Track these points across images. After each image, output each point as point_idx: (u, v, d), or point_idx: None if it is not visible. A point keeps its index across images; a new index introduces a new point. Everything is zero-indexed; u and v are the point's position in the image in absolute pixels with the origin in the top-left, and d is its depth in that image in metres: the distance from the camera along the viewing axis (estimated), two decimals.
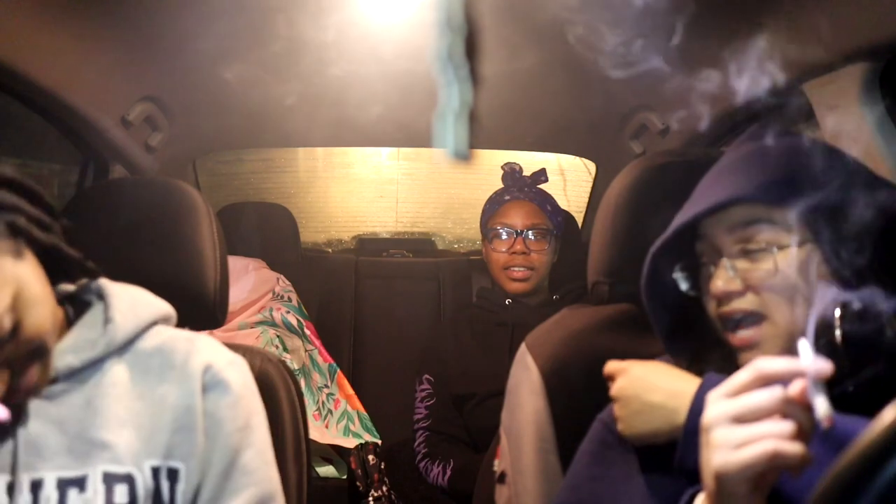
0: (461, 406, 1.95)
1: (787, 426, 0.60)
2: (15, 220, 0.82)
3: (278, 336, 1.95)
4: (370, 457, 1.95)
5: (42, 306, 0.81)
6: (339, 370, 2.03)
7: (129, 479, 0.83)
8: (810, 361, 0.60)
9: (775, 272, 0.79)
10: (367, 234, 3.14)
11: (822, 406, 0.58)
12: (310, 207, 3.12)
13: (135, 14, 1.31)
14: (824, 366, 0.59)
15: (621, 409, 0.89)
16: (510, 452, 1.17)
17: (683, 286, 0.89)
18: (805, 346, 0.61)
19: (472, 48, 0.54)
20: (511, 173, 2.10)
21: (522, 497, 1.12)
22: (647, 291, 0.91)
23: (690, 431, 0.76)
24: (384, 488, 1.93)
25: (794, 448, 0.59)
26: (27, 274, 0.81)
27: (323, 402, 1.92)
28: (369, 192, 3.16)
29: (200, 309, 1.11)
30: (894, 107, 1.11)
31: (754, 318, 0.81)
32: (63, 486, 0.82)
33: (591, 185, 2.46)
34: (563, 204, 2.14)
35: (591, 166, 2.43)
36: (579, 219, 2.49)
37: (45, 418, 0.85)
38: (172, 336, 0.95)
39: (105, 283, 0.95)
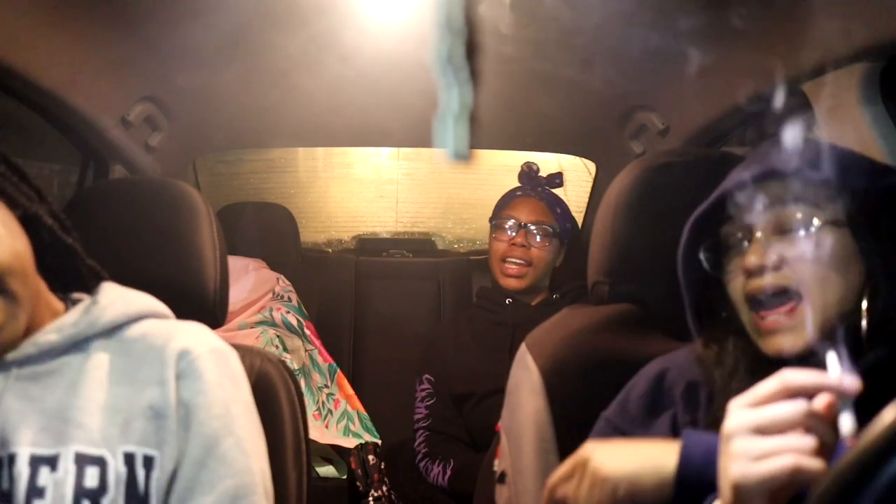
0: (461, 406, 1.95)
1: (810, 441, 0.58)
2: None
3: (278, 336, 1.95)
4: (370, 457, 1.95)
5: (11, 245, 0.81)
6: (338, 370, 2.03)
7: (100, 463, 0.82)
8: (838, 376, 0.59)
9: (810, 250, 0.79)
10: (367, 234, 3.14)
11: (847, 423, 0.57)
12: (310, 207, 3.12)
13: (135, 14, 1.31)
14: (853, 382, 0.58)
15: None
16: (510, 452, 1.17)
17: (708, 266, 0.88)
18: (833, 359, 0.60)
19: (471, 49, 0.54)
20: (528, 171, 2.13)
21: (522, 497, 1.12)
22: (683, 265, 0.90)
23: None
24: (384, 488, 1.93)
25: (815, 464, 0.57)
26: None
27: (323, 402, 1.92)
28: (369, 192, 3.16)
29: (200, 309, 1.11)
30: (894, 107, 1.11)
31: (786, 296, 0.80)
32: (35, 463, 0.81)
33: (591, 185, 2.46)
34: (570, 205, 2.16)
35: (591, 166, 2.42)
36: (579, 219, 2.49)
37: (26, 398, 0.85)
38: (160, 324, 0.94)
39: (105, 282, 0.95)
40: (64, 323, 0.88)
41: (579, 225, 2.45)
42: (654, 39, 1.00)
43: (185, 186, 1.17)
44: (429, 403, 1.98)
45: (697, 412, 0.89)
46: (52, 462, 0.82)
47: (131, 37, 1.38)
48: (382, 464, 1.97)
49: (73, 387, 0.86)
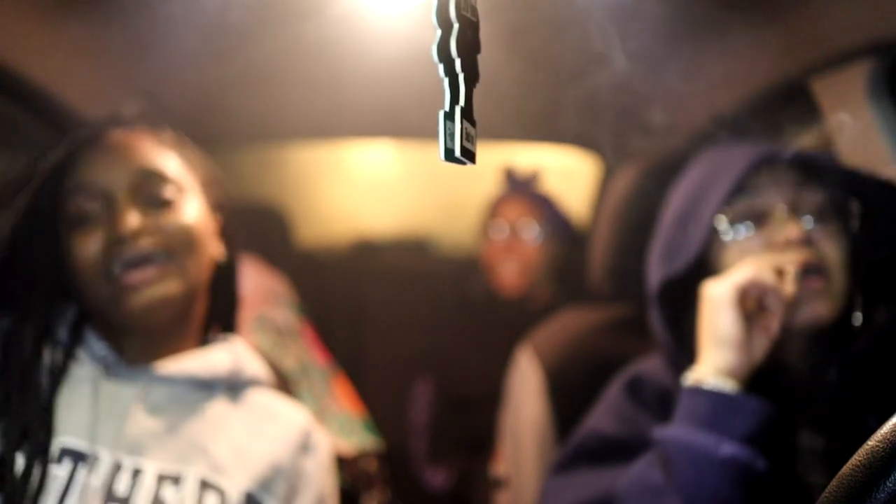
0: (461, 407, 1.94)
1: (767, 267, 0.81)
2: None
3: (275, 337, 1.94)
4: (369, 459, 1.93)
5: (203, 226, 0.99)
6: (337, 371, 2.01)
7: (221, 493, 0.87)
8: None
9: (834, 232, 0.88)
10: (366, 234, 3.13)
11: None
12: (309, 207, 3.11)
13: (129, 10, 1.30)
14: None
15: None
16: (510, 454, 1.16)
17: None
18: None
19: (469, 44, 0.53)
20: (512, 172, 2.12)
21: (522, 498, 1.11)
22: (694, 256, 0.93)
23: None
24: (383, 490, 1.92)
25: (770, 278, 0.80)
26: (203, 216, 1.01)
27: (321, 405, 1.91)
28: (369, 192, 3.15)
29: None
30: None
31: (815, 272, 0.85)
32: (161, 479, 0.86)
33: (591, 185, 2.45)
34: (564, 204, 2.15)
35: (592, 166, 2.42)
36: (580, 219, 2.48)
37: (159, 414, 0.89)
38: (273, 395, 1.04)
39: (237, 336, 1.07)
40: (210, 363, 0.95)
41: (579, 225, 2.44)
42: (657, 35, 0.99)
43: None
44: (429, 404, 1.98)
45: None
46: (176, 480, 0.86)
47: (125, 34, 1.38)
48: (381, 466, 1.96)
49: (201, 416, 0.92)
